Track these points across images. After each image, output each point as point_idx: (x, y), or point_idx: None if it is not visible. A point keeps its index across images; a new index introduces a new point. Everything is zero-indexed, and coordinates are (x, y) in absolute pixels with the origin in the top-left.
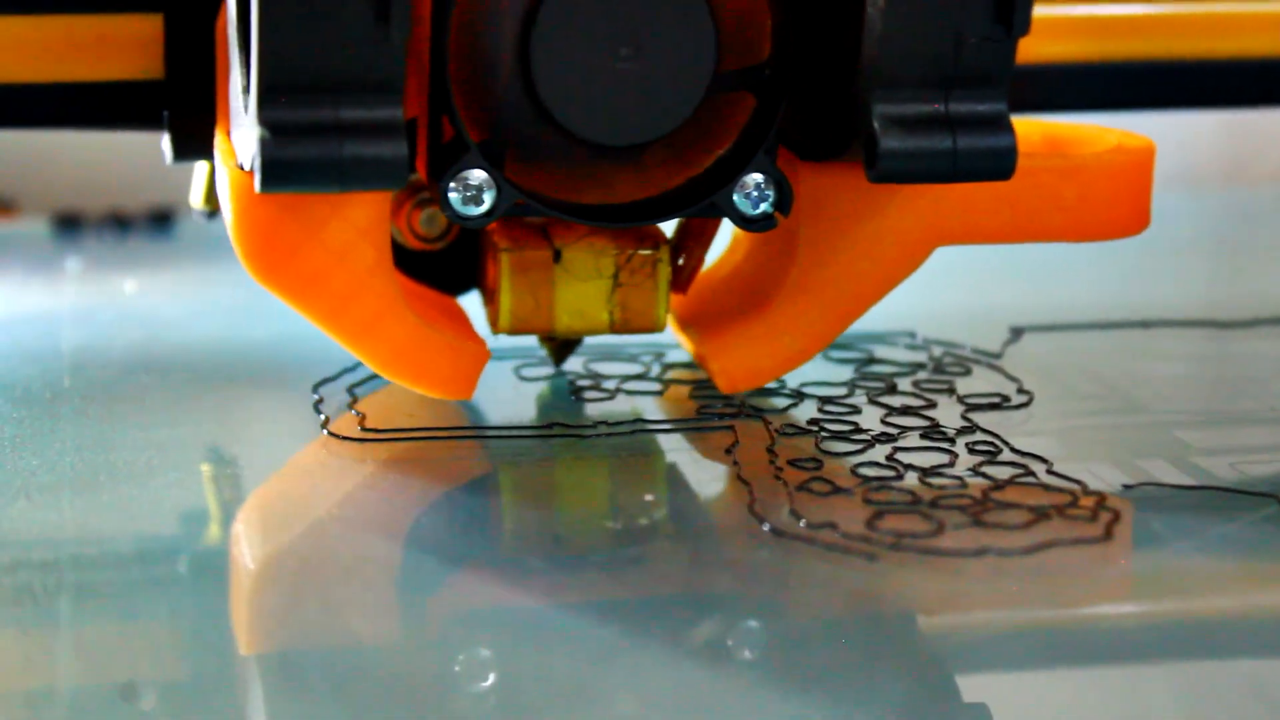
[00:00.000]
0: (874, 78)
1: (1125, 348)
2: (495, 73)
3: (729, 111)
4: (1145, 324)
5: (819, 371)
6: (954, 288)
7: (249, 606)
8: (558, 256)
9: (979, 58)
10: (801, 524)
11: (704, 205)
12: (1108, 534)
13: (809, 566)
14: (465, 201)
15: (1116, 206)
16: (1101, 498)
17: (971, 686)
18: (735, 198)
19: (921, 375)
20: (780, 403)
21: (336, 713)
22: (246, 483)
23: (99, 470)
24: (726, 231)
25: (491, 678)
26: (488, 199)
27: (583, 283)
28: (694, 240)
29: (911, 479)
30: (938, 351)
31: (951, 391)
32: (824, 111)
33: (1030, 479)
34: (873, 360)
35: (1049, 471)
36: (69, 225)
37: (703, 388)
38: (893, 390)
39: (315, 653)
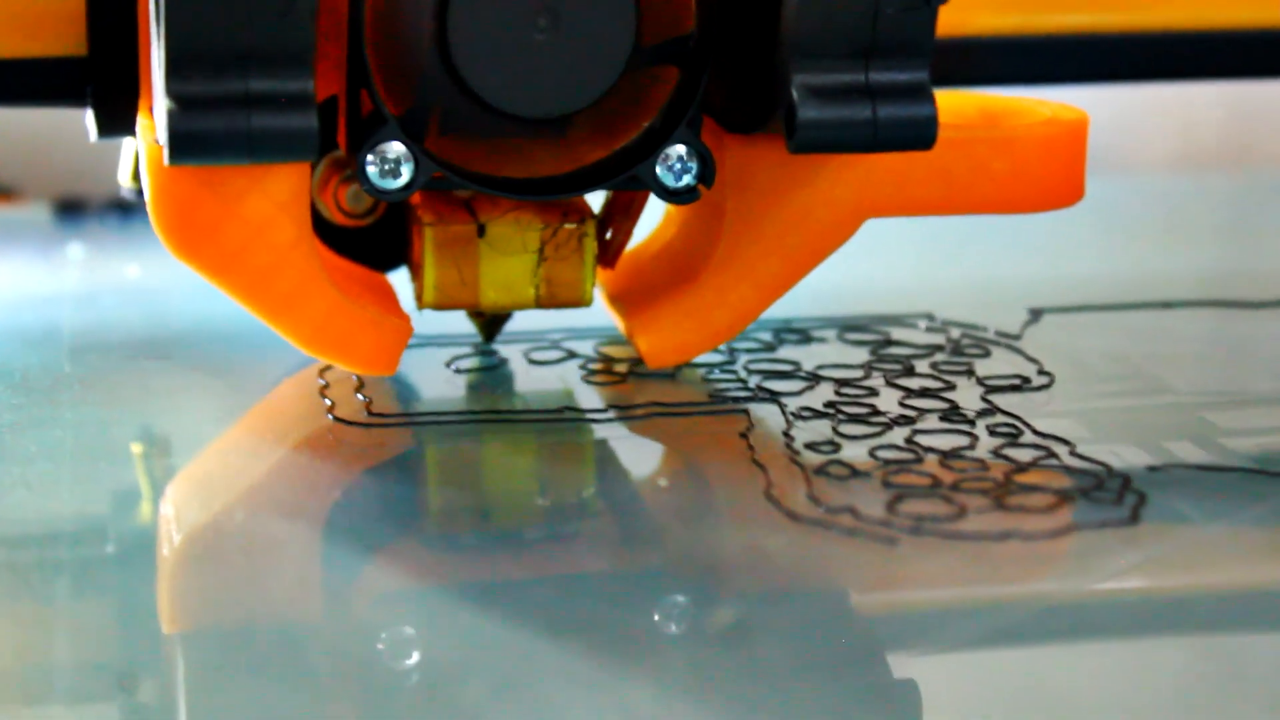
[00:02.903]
0: (793, 47)
1: (1146, 329)
2: (413, 44)
3: (654, 84)
4: (1166, 305)
5: (835, 354)
6: (968, 268)
7: (172, 585)
8: (482, 231)
9: (899, 27)
10: (819, 508)
11: (626, 178)
12: (1134, 517)
13: (827, 551)
14: (383, 175)
15: (1048, 178)
16: (1127, 480)
17: (998, 670)
18: (658, 170)
19: (939, 357)
20: (795, 386)
21: (259, 692)
22: (250, 465)
23: (98, 455)
24: (659, 207)
25: (415, 656)
26: (405, 172)
27: (507, 257)
28: (621, 215)
29: (931, 462)
30: (955, 333)
31: (970, 373)
32: (747, 83)
33: (1053, 461)
34: (889, 342)
35: (1072, 454)
36: (71, 210)
37: (716, 371)
38: (910, 372)
39: (238, 631)
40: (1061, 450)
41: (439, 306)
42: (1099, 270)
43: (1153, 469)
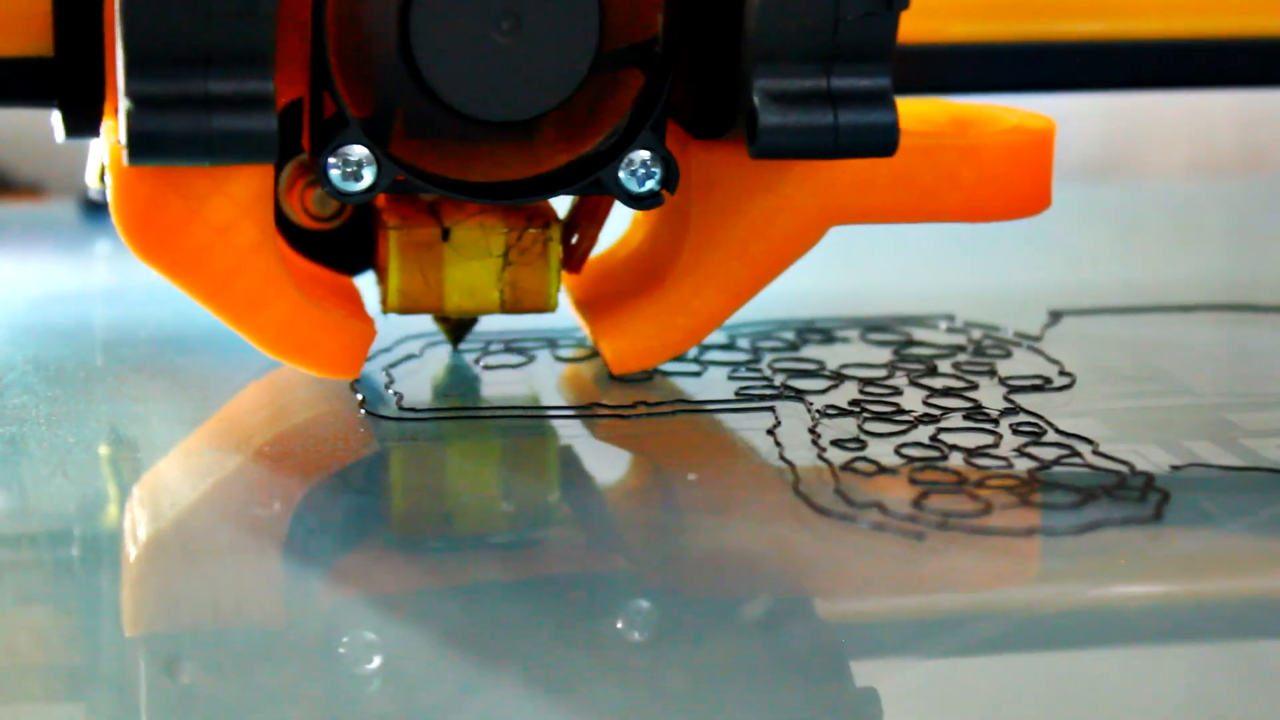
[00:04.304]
0: (755, 53)
1: (1166, 331)
2: (377, 47)
3: (621, 89)
4: (1185, 308)
5: (858, 354)
6: (988, 271)
7: (134, 588)
8: (447, 235)
9: (860, 33)
10: (847, 503)
11: (590, 182)
12: (1157, 514)
13: (855, 545)
14: (345, 177)
15: (1014, 186)
16: (1150, 478)
17: (1021, 665)
18: (621, 175)
19: (962, 357)
20: (820, 385)
21: (218, 695)
22: (281, 460)
23: (136, 446)
24: (627, 213)
25: (376, 660)
26: (368, 175)
27: (472, 261)
28: (587, 220)
29: (956, 459)
30: (977, 334)
31: (993, 373)
32: (711, 88)
33: (1076, 460)
34: (912, 342)
35: (1095, 452)
36: (97, 208)
37: (741, 369)
38: (933, 372)
39: (199, 634)
40: (1084, 449)
41: (404, 310)
42: (1117, 274)
43: (1175, 468)
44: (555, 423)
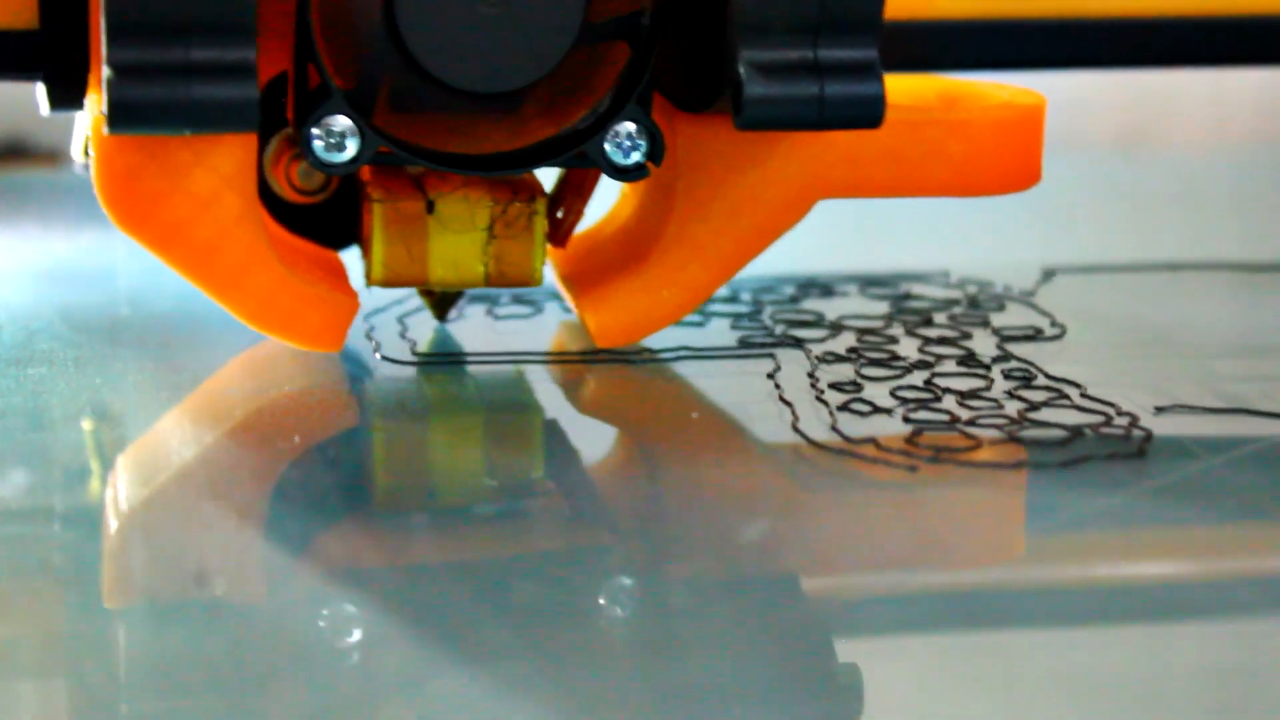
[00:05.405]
0: (741, 24)
1: (1155, 289)
2: (361, 18)
3: (606, 61)
4: (1173, 267)
5: (856, 305)
6: (985, 232)
7: (115, 559)
8: (431, 208)
9: (847, 3)
10: (844, 439)
11: (575, 154)
12: (1141, 451)
13: (851, 475)
14: (328, 148)
15: (1003, 161)
16: (1135, 418)
17: (1011, 592)
18: (606, 147)
19: (957, 310)
20: (819, 334)
21: (196, 669)
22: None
23: (160, 389)
24: (615, 187)
25: (356, 634)
26: (351, 146)
27: (457, 235)
28: (573, 193)
29: (949, 401)
30: (972, 289)
31: (986, 324)
32: (697, 60)
33: (1064, 402)
34: (908, 296)
35: (1083, 395)
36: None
37: (744, 320)
38: (929, 323)
39: (178, 607)
40: (1072, 392)
41: (388, 284)
42: (1118, 241)
43: (1159, 409)
44: (567, 368)
